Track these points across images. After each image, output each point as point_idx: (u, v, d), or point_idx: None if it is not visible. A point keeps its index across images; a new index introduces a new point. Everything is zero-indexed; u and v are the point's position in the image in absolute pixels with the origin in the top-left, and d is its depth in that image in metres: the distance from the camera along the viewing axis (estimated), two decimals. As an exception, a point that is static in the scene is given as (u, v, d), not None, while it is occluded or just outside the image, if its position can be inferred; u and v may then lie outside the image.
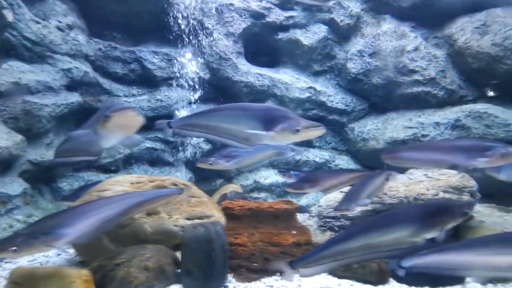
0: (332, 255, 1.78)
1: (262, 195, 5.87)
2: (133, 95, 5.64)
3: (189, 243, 2.21)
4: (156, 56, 5.71)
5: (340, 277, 2.55)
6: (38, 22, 4.16)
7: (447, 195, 2.91)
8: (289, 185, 3.01)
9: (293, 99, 5.94)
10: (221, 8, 5.68)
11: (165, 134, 2.87)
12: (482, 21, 4.79)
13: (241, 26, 5.78)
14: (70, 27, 4.80)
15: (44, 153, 4.00)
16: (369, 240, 1.79)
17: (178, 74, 5.87)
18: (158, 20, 5.52)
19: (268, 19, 5.80)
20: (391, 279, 2.59)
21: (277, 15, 5.79)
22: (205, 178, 6.07)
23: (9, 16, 3.65)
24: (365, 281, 2.49)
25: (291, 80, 5.98)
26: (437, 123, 5.08)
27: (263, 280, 2.38)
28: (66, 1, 4.99)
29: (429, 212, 1.90)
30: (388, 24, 5.72)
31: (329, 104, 6.01)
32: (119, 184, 2.54)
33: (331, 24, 5.86)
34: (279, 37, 5.92)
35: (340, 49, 6.07)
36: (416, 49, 5.38)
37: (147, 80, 5.74)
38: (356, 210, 2.86)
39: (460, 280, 2.60)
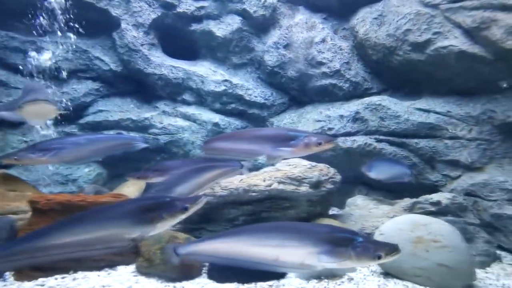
0: (28, 252, 1.63)
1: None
2: (37, 88, 5.44)
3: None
4: (61, 47, 5.52)
5: (143, 273, 2.45)
6: None
7: (281, 186, 2.83)
8: (132, 174, 2.90)
9: (209, 92, 5.82)
10: (128, -3, 5.51)
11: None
12: (379, 11, 4.73)
13: (151, 16, 5.62)
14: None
15: None
16: (75, 236, 1.67)
17: (86, 66, 5.70)
18: (64, 9, 5.33)
19: (179, 10, 5.65)
20: (204, 275, 2.50)
21: (187, 5, 5.64)
22: (120, 174, 5.93)
23: None
24: (166, 278, 2.39)
25: (206, 73, 5.85)
26: (341, 116, 5.03)
27: (42, 279, 2.26)
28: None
29: (145, 207, 1.79)
30: (301, 15, 5.63)
31: (247, 98, 5.89)
32: None
33: (244, 15, 5.73)
34: (193, 28, 5.78)
35: (259, 41, 5.95)
36: (323, 40, 5.30)
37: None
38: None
39: (279, 276, 2.52)
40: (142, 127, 5.67)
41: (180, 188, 2.50)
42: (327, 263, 1.73)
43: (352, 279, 2.54)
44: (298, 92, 5.80)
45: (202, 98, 5.94)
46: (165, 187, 2.38)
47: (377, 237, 2.62)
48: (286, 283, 2.43)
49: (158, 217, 1.72)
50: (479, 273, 2.70)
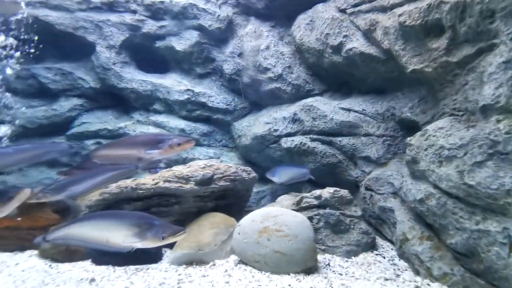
0: None
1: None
2: (32, 107, 6.46)
3: None
4: (49, 71, 6.49)
5: (40, 256, 3.02)
6: None
7: (167, 184, 3.22)
8: (61, 171, 3.54)
9: (175, 102, 6.42)
10: (100, 24, 6.31)
11: None
12: (310, 17, 4.93)
13: (120, 38, 6.36)
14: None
15: None
16: None
17: (71, 86, 6.61)
18: (52, 38, 6.31)
19: (144, 30, 6.33)
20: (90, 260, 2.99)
21: (150, 26, 6.30)
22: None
23: None
24: (53, 259, 2.93)
25: (171, 84, 6.45)
26: (284, 118, 5.30)
27: None
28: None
29: None
30: (251, 25, 5.99)
31: (210, 105, 6.39)
32: None
33: (201, 29, 6.24)
34: (158, 45, 6.42)
35: (219, 52, 6.42)
36: (267, 47, 5.61)
37: (45, 93, 6.54)
38: (92, 199, 3.30)
39: (153, 260, 2.92)
40: (117, 135, 6.41)
41: (74, 187, 3.06)
42: (136, 243, 2.16)
43: (214, 265, 2.86)
44: (254, 96, 6.15)
45: (171, 107, 6.55)
46: (56, 186, 2.94)
47: (237, 227, 2.91)
48: (155, 267, 2.83)
49: None
50: (339, 261, 2.84)
